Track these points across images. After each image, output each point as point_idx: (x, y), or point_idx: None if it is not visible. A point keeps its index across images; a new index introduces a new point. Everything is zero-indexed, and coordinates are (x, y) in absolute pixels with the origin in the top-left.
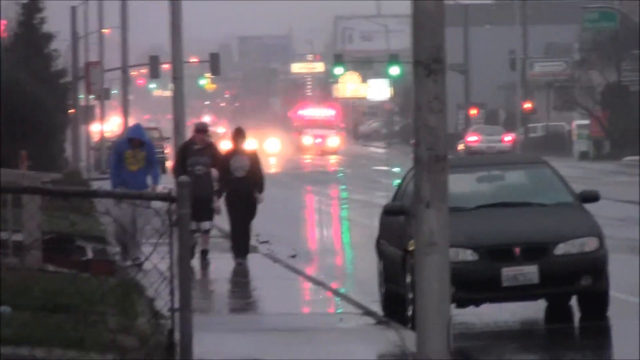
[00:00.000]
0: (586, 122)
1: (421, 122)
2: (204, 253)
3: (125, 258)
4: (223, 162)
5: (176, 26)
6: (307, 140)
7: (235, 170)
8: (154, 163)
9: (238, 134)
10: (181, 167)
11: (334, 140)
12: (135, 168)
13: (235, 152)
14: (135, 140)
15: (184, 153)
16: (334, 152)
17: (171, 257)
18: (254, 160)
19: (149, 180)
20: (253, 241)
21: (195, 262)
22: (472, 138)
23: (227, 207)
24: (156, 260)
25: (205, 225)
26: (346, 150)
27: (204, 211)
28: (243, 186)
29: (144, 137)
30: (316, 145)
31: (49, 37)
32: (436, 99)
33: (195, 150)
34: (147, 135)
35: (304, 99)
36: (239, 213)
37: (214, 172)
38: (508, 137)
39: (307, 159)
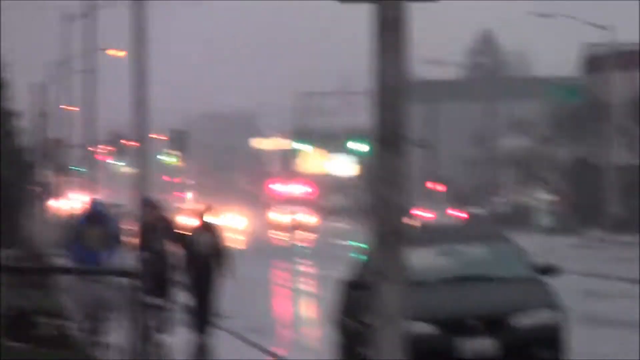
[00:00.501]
0: (551, 196)
1: (379, 196)
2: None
3: (93, 332)
4: (188, 238)
5: (141, 102)
6: (282, 216)
7: (199, 246)
8: (113, 239)
9: (207, 210)
10: (143, 243)
11: (307, 218)
12: (95, 244)
13: (201, 228)
14: (94, 216)
15: (145, 229)
16: (310, 230)
17: (133, 332)
18: (219, 238)
19: (107, 256)
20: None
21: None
22: (422, 213)
23: (190, 283)
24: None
25: (163, 301)
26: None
27: (162, 287)
28: (207, 263)
29: (104, 213)
30: (291, 222)
31: (13, 114)
32: (396, 174)
33: (147, 224)
34: (109, 212)
35: (269, 174)
36: (202, 289)
37: (174, 247)
38: (458, 214)
39: (277, 235)
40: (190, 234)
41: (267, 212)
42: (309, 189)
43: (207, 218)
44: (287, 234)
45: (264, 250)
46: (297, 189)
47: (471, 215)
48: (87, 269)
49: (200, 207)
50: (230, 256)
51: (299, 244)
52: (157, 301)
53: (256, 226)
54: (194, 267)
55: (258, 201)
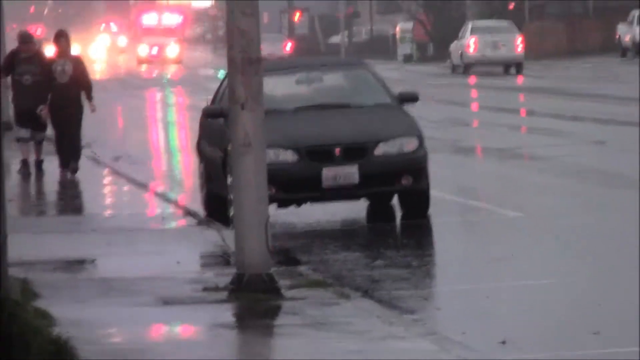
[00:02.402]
0: (410, 25)
1: (234, 25)
2: (39, 163)
3: None
4: (45, 67)
5: None
6: (143, 50)
7: (59, 76)
8: None
9: (60, 38)
10: (5, 72)
11: (173, 49)
12: None
13: (58, 56)
14: None
15: (11, 61)
16: (175, 62)
17: None
18: (79, 66)
19: None
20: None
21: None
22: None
23: (51, 115)
24: None
25: (40, 135)
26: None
27: (36, 121)
28: (67, 92)
29: None
30: (153, 56)
31: None
32: (248, 2)
33: (22, 59)
34: None
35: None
36: (64, 120)
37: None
38: (288, 46)
39: (145, 67)
40: (48, 63)
41: (136, 45)
42: (178, 19)
43: (64, 46)
44: (155, 66)
45: (131, 82)
46: (168, 19)
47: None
48: None
49: (55, 34)
50: (91, 86)
51: (167, 75)
52: (25, 133)
53: (124, 58)
54: (54, 98)
55: (117, 32)
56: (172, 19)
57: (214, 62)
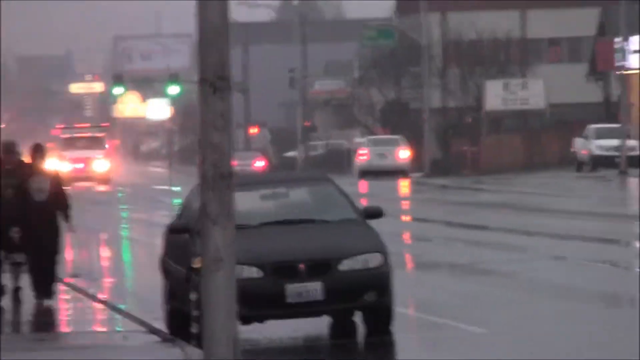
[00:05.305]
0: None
1: (206, 140)
2: (16, 290)
3: None
4: (22, 183)
5: None
6: (65, 166)
7: (35, 193)
8: None
9: (37, 151)
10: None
11: (102, 164)
12: None
13: (34, 172)
14: None
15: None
16: (104, 180)
17: None
18: (56, 182)
19: None
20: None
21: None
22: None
23: (25, 236)
24: None
25: (18, 257)
26: (126, 170)
27: (8, 242)
28: (45, 211)
29: None
30: (77, 171)
31: None
32: (221, 117)
33: (4, 170)
34: None
35: (83, 119)
36: (41, 242)
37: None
38: (259, 163)
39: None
40: (25, 179)
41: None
42: (102, 128)
43: (40, 160)
44: (93, 182)
45: (80, 197)
46: (89, 131)
47: (281, 161)
48: None
49: (32, 147)
50: (69, 205)
51: (119, 190)
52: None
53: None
54: (29, 217)
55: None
56: (96, 130)
57: (169, 177)
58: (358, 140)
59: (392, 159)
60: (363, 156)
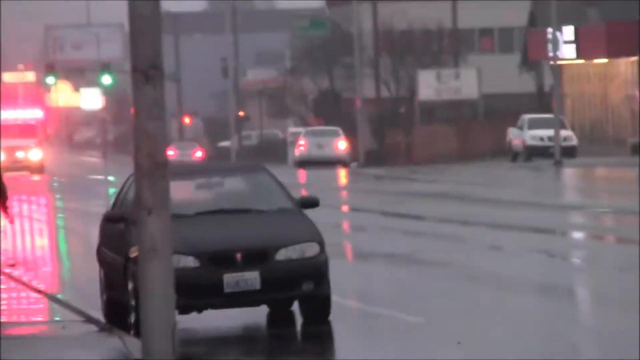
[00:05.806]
0: (300, 129)
1: (140, 129)
2: None
3: None
4: None
5: None
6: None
7: None
8: None
9: None
10: None
11: (35, 153)
12: None
13: None
14: None
15: None
16: (37, 169)
17: None
18: None
19: None
20: None
21: None
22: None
23: None
24: None
25: None
26: (61, 160)
27: None
28: None
29: None
30: (10, 160)
31: None
32: (155, 106)
33: None
34: None
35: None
36: None
37: None
38: (198, 153)
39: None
40: None
41: None
42: (35, 115)
43: None
44: (27, 172)
45: (13, 186)
46: (23, 117)
47: (218, 151)
48: None
49: None
50: (6, 194)
51: (55, 179)
52: None
53: None
54: None
55: None
56: (30, 116)
57: (104, 167)
58: (293, 130)
59: (330, 150)
60: (301, 147)
